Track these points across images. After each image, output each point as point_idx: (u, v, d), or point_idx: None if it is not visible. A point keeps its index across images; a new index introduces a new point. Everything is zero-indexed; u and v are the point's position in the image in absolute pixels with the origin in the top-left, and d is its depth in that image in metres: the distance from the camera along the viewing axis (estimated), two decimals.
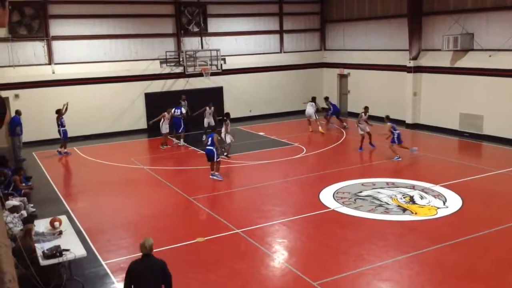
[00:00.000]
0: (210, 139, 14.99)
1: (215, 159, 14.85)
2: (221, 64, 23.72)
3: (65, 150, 18.94)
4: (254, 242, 10.22)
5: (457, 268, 8.96)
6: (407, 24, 21.86)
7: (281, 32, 26.72)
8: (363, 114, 18.40)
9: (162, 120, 19.71)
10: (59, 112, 18.76)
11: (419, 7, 21.60)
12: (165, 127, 19.68)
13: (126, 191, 14.37)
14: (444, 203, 12.26)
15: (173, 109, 20.12)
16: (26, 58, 20.96)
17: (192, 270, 9.11)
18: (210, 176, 14.99)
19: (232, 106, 24.33)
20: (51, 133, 20.60)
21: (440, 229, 10.75)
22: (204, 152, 15.25)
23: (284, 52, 26.91)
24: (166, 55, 23.52)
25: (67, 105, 19.03)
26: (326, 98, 23.74)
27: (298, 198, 13.40)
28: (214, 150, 14.79)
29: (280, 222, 11.32)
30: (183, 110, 20.48)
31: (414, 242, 10.02)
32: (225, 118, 18.01)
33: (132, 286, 6.45)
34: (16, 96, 20.35)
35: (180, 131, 20.07)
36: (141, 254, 6.57)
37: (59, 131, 18.76)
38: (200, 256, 9.72)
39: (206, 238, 10.44)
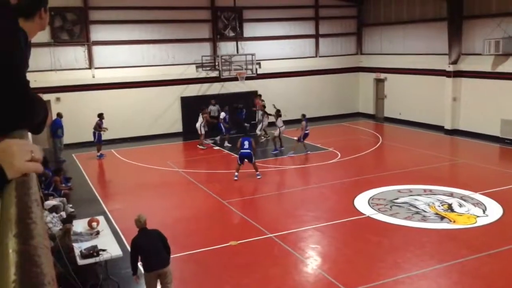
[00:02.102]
0: (247, 142, 15.12)
1: (253, 161, 15.21)
2: (256, 69, 23.78)
3: (100, 153, 19.26)
4: (287, 247, 10.18)
5: (497, 278, 8.67)
6: (446, 28, 21.38)
7: (316, 36, 26.60)
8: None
9: (203, 120, 20.48)
10: (101, 116, 19.15)
11: (459, 10, 21.10)
12: (204, 128, 20.47)
13: (162, 193, 14.56)
14: (484, 212, 11.89)
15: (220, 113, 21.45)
16: (67, 63, 21.58)
17: (226, 273, 9.15)
18: (235, 178, 15.21)
19: (267, 110, 24.29)
20: (91, 135, 21.13)
21: (479, 238, 10.44)
22: (239, 155, 15.34)
23: (320, 57, 26.76)
24: (202, 60, 23.77)
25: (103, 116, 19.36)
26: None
27: (333, 203, 13.27)
28: (252, 153, 15.18)
29: (313, 228, 11.24)
30: (224, 115, 21.22)
31: (452, 251, 9.76)
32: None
33: (140, 258, 7.71)
34: (57, 99, 20.96)
35: (222, 133, 20.90)
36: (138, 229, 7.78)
37: (94, 133, 19.10)
38: (233, 259, 9.75)
39: (239, 242, 10.46)
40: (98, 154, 19.17)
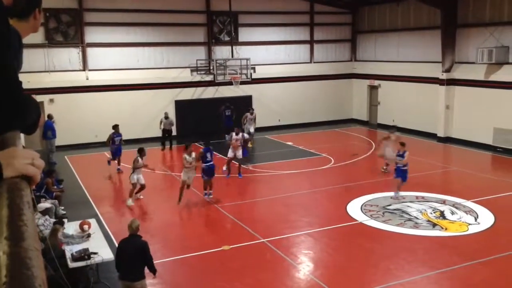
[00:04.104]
0: (209, 154, 13.73)
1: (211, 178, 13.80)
2: (251, 73, 23.82)
3: (118, 166, 17.37)
4: (279, 252, 10.16)
5: (488, 286, 8.69)
6: (440, 36, 21.53)
7: (311, 42, 26.69)
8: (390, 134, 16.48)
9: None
10: (116, 128, 17.54)
11: (453, 19, 21.25)
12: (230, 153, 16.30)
13: (154, 197, 14.49)
14: (475, 219, 11.94)
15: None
16: (61, 64, 21.50)
17: (217, 278, 9.11)
18: (205, 197, 13.87)
19: (261, 115, 24.34)
20: (83, 137, 21.10)
21: (471, 245, 10.48)
22: (204, 169, 13.65)
23: (314, 62, 26.85)
24: (197, 64, 23.77)
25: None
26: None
27: (325, 209, 13.28)
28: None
29: (306, 233, 11.23)
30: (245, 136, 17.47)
31: (444, 258, 9.79)
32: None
33: None
34: (51, 100, 20.87)
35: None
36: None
37: (110, 148, 17.49)
38: (225, 264, 9.72)
39: (231, 247, 10.44)
40: (119, 167, 17.30)
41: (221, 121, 22.44)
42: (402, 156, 13.36)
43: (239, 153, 16.05)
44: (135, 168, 13.27)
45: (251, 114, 21.86)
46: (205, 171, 13.70)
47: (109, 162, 17.54)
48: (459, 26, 21.30)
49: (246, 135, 17.27)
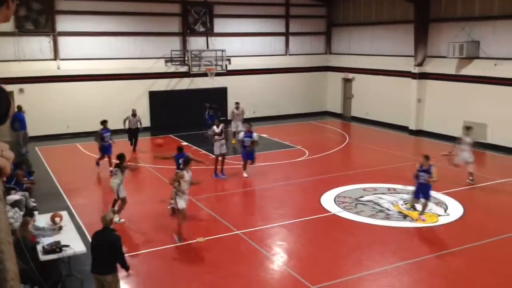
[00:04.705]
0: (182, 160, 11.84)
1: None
2: (226, 65, 23.71)
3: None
4: (254, 244, 10.22)
5: (457, 276, 8.94)
6: (413, 30, 21.84)
7: (286, 34, 26.72)
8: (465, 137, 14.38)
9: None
10: (104, 124, 16.18)
11: (426, 13, 21.57)
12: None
13: (128, 189, 14.30)
14: (445, 211, 12.23)
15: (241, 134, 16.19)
16: (32, 53, 20.99)
17: (192, 270, 9.12)
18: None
19: None
20: (55, 128, 20.70)
21: (441, 236, 10.75)
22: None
23: (289, 55, 26.90)
24: (171, 54, 23.53)
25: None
26: None
27: (299, 201, 13.39)
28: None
29: (280, 225, 11.32)
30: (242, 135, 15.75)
31: (414, 248, 10.01)
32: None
33: None
34: (21, 90, 20.37)
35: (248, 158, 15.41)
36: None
37: (99, 146, 16.06)
38: (200, 256, 9.74)
39: (206, 238, 10.45)
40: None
41: (203, 119, 22.01)
42: (427, 172, 11.20)
43: (224, 149, 15.32)
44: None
45: (237, 109, 20.53)
46: None
47: (97, 163, 15.99)
48: (431, 21, 21.63)
49: (255, 136, 15.30)
